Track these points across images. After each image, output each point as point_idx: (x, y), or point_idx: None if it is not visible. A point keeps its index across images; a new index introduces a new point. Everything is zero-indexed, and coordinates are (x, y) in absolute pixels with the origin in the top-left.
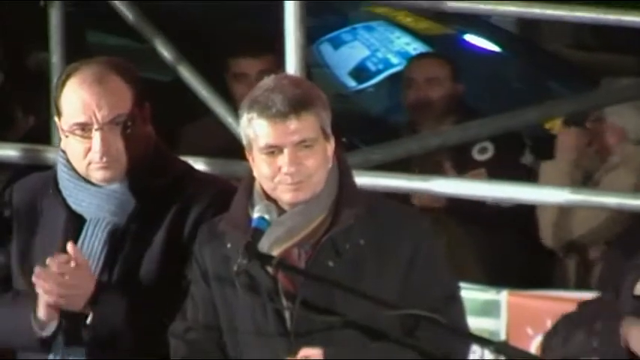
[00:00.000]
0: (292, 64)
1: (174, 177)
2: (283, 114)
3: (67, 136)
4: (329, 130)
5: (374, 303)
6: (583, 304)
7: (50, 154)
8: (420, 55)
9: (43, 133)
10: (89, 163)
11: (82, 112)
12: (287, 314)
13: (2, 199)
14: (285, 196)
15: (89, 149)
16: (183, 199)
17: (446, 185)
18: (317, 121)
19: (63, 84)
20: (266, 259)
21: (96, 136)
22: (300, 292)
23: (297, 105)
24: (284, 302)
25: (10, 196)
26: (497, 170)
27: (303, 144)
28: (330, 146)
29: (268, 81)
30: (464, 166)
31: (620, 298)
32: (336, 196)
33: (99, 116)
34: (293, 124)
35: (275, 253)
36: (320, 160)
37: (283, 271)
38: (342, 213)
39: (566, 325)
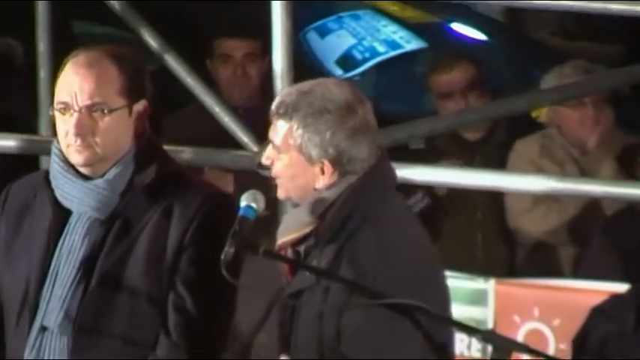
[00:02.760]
0: (279, 53)
1: (163, 177)
2: (271, 112)
3: (54, 115)
4: (314, 155)
5: (364, 293)
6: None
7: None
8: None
9: (13, 119)
10: (68, 145)
11: (66, 91)
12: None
13: None
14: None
15: (68, 130)
16: (170, 200)
17: (421, 173)
18: (288, 134)
19: (63, 65)
20: (253, 248)
21: (73, 117)
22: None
23: (280, 110)
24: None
25: (5, 197)
26: None
27: (274, 147)
28: (319, 170)
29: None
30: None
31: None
32: (322, 213)
33: (79, 98)
34: (275, 124)
35: (280, 242)
36: (286, 170)
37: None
38: (320, 231)
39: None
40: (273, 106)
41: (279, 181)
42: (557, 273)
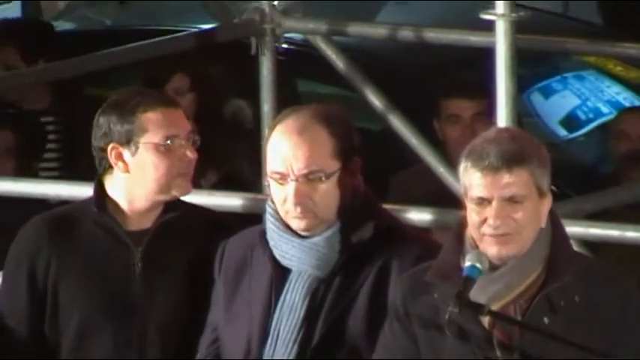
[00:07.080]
0: (503, 114)
1: (380, 231)
2: (495, 167)
3: (269, 181)
4: (545, 188)
5: (594, 357)
6: None
7: None
8: (633, 109)
9: (236, 179)
10: (287, 212)
11: (280, 161)
12: None
13: (214, 258)
14: (489, 249)
15: (286, 198)
16: (388, 255)
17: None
18: (530, 178)
19: (271, 131)
20: (478, 308)
21: (291, 186)
22: (519, 343)
23: (511, 160)
24: (498, 353)
25: (222, 254)
26: None
27: (513, 199)
28: (546, 204)
29: (491, 131)
30: None
31: None
32: (549, 252)
33: (294, 168)
34: (504, 178)
35: (494, 308)
36: (529, 217)
37: (496, 321)
38: (557, 269)
39: None
40: (498, 161)
41: (513, 236)
42: None
